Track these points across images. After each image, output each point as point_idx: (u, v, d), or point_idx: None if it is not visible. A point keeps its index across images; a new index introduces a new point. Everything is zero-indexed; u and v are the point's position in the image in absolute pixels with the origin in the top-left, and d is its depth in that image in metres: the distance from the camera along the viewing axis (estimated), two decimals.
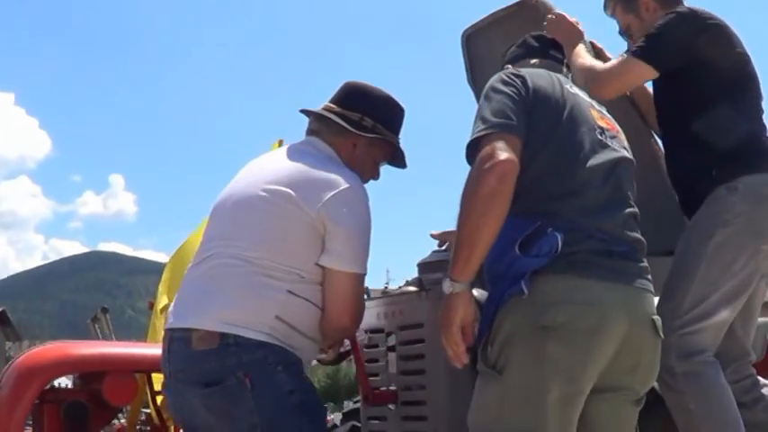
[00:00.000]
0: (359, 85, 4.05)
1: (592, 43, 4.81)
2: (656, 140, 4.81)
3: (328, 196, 3.60)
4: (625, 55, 4.36)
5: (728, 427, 3.94)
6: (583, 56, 4.33)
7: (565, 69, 3.94)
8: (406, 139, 4.01)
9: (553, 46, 4.04)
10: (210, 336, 3.51)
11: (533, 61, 3.88)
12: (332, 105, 3.97)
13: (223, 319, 3.51)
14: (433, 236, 4.42)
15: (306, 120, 4.03)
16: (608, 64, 4.38)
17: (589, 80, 4.19)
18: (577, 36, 4.40)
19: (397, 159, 4.08)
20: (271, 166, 3.81)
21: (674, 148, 4.50)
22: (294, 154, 3.83)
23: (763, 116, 4.43)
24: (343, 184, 3.65)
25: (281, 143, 7.04)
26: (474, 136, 3.31)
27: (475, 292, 3.60)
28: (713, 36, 4.31)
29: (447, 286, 3.23)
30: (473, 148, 3.30)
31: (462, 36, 5.37)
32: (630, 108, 4.83)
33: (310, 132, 3.97)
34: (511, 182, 3.17)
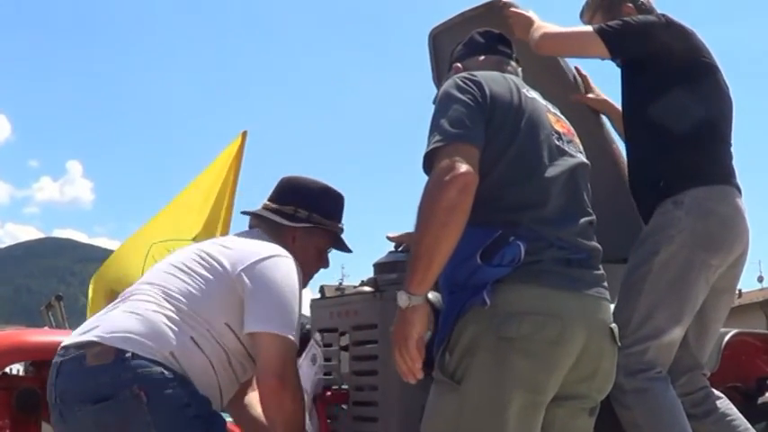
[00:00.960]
0: (292, 180, 4.18)
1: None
2: (617, 147, 4.86)
3: (251, 260, 3.69)
4: (589, 28, 4.47)
5: None
6: (541, 23, 4.51)
7: (514, 64, 3.88)
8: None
9: (500, 41, 3.96)
10: (106, 351, 3.48)
11: (481, 58, 3.85)
12: (268, 203, 4.11)
13: (123, 337, 3.50)
14: (389, 238, 4.44)
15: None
16: (565, 27, 4.51)
17: (538, 35, 4.38)
18: (533, 21, 4.56)
19: (340, 246, 4.18)
20: (213, 242, 3.95)
21: (629, 157, 4.54)
22: (239, 236, 3.99)
23: (723, 128, 4.42)
24: (270, 253, 3.74)
25: (244, 135, 7.05)
26: (431, 147, 3.27)
27: (430, 295, 3.62)
28: (676, 35, 4.37)
29: (404, 300, 3.18)
30: (430, 159, 3.28)
31: (429, 35, 5.38)
32: (589, 113, 4.89)
33: (252, 227, 4.12)
34: (471, 194, 3.15)
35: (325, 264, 4.17)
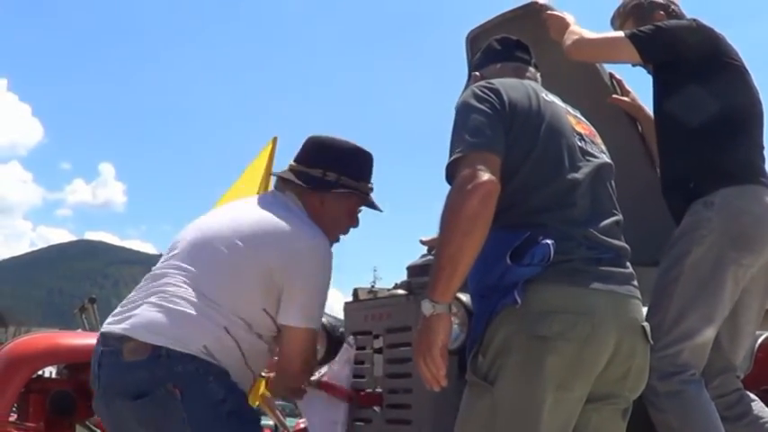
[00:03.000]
0: (320, 140, 4.03)
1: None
2: (649, 150, 4.85)
3: (290, 249, 3.63)
4: (621, 33, 4.45)
5: None
6: (575, 28, 4.48)
7: (532, 70, 3.85)
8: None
9: (518, 47, 3.91)
10: (141, 347, 3.48)
11: (498, 66, 3.82)
12: (294, 165, 3.98)
13: (157, 332, 3.50)
14: (422, 242, 4.43)
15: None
16: (598, 33, 4.50)
17: (570, 41, 4.34)
18: (568, 23, 4.54)
19: (370, 206, 4.07)
20: (243, 214, 3.82)
21: (661, 159, 4.53)
22: (267, 205, 3.84)
23: (753, 129, 4.40)
24: (307, 239, 3.68)
25: (275, 141, 7.06)
26: (453, 157, 3.28)
27: (464, 297, 3.61)
28: (706, 39, 4.35)
29: (427, 308, 3.18)
30: (452, 169, 3.28)
31: (467, 38, 5.35)
32: (623, 115, 4.88)
33: (280, 189, 4.01)
34: (492, 203, 3.16)
35: (355, 223, 4.05)
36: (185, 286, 3.61)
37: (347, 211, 3.97)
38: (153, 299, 3.62)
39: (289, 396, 4.39)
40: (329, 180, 3.89)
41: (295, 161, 3.99)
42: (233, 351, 3.59)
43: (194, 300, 3.56)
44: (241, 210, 3.87)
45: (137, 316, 3.59)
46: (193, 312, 3.54)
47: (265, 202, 3.87)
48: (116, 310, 3.75)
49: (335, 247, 3.87)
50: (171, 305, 3.56)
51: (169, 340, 3.48)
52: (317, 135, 4.07)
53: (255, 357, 3.69)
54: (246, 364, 3.66)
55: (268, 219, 3.73)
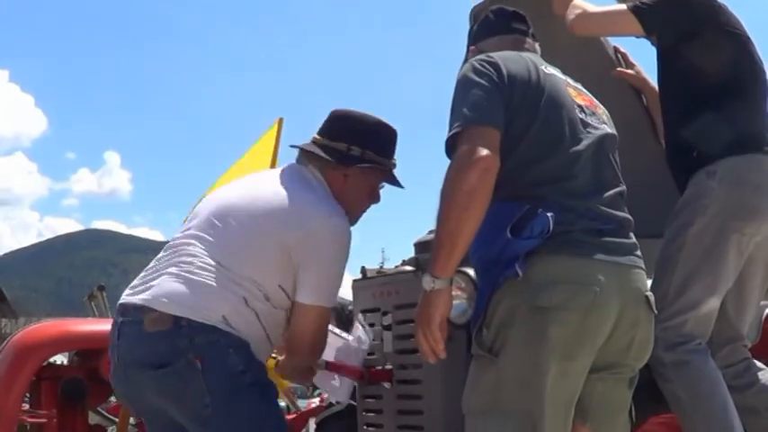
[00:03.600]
0: (344, 114, 3.99)
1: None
2: (654, 122, 4.84)
3: (308, 227, 3.61)
4: (624, 6, 4.45)
5: (714, 412, 3.97)
6: (578, 2, 4.49)
7: (530, 40, 3.83)
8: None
9: (515, 18, 3.88)
10: (163, 318, 3.51)
11: (496, 38, 3.80)
12: (318, 138, 3.93)
13: (177, 302, 3.53)
14: None
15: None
16: (600, 7, 4.51)
17: (572, 16, 4.38)
18: None
19: (393, 182, 4.02)
20: (264, 187, 3.79)
21: (665, 131, 4.53)
22: (288, 179, 3.81)
23: (756, 98, 4.39)
24: (326, 217, 3.65)
25: (280, 122, 7.05)
26: (451, 132, 3.30)
27: (471, 271, 3.63)
28: (708, 9, 4.33)
29: (428, 282, 3.23)
30: (451, 144, 3.30)
31: (471, 13, 5.32)
32: (627, 88, 4.88)
33: (302, 163, 3.96)
34: (492, 178, 3.18)
35: (377, 199, 4.01)
36: (205, 256, 3.61)
37: (369, 188, 3.94)
38: (173, 269, 3.64)
39: (297, 378, 4.40)
40: (353, 154, 3.85)
41: (319, 134, 3.95)
42: (252, 322, 3.60)
43: (213, 270, 3.57)
44: (262, 183, 3.85)
45: (157, 286, 3.61)
46: (213, 283, 3.55)
47: (286, 176, 3.84)
48: (134, 282, 3.76)
49: None
50: (191, 275, 3.57)
51: (190, 311, 3.50)
52: (343, 108, 4.04)
53: (274, 329, 3.70)
54: (267, 336, 3.67)
55: (288, 195, 3.70)
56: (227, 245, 3.63)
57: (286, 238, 3.59)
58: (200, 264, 3.60)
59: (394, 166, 3.98)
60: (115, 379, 3.73)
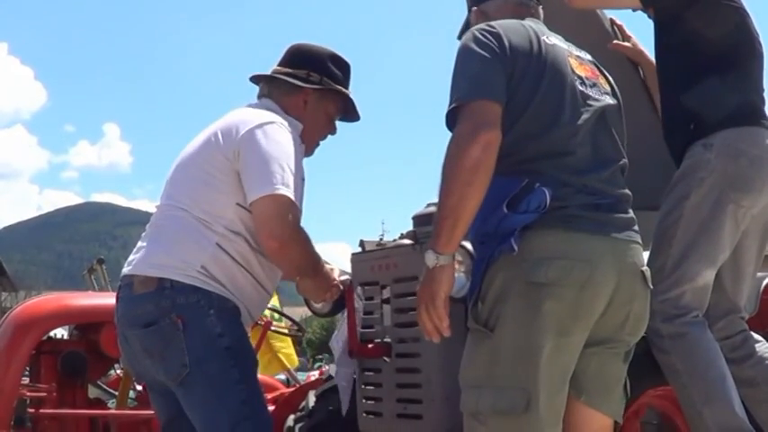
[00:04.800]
0: (303, 46, 4.20)
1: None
2: (651, 95, 4.83)
3: (243, 131, 3.73)
4: None
5: (711, 383, 3.98)
6: None
7: (534, 3, 3.75)
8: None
9: None
10: (149, 280, 3.69)
11: (499, 1, 3.71)
12: (279, 68, 4.10)
13: (159, 263, 3.70)
14: None
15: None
16: None
17: None
18: None
19: (350, 112, 4.20)
20: (211, 126, 3.93)
21: (662, 104, 4.52)
22: (235, 111, 3.98)
23: (753, 71, 4.37)
24: (262, 120, 3.78)
25: None
26: (452, 105, 3.28)
27: (468, 245, 3.62)
28: None
29: (431, 259, 3.20)
30: (452, 117, 3.28)
31: None
32: (624, 61, 4.86)
33: (261, 96, 4.11)
34: (494, 152, 3.16)
35: (333, 130, 4.19)
36: (171, 211, 3.79)
37: (326, 115, 4.10)
38: (151, 235, 3.86)
39: (319, 292, 4.12)
40: (313, 80, 4.04)
41: (279, 65, 4.12)
42: (232, 267, 3.72)
43: (181, 219, 3.73)
44: (211, 125, 3.96)
45: (139, 255, 3.81)
46: (184, 235, 3.71)
47: (235, 110, 4.00)
48: (130, 257, 3.92)
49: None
50: (163, 234, 3.79)
51: (171, 270, 3.66)
52: (300, 42, 4.23)
53: (260, 271, 3.81)
54: (255, 280, 3.80)
55: (229, 119, 3.88)
56: (184, 190, 3.80)
57: (225, 154, 3.72)
58: (169, 219, 3.79)
59: (349, 94, 4.16)
60: (119, 340, 3.90)
